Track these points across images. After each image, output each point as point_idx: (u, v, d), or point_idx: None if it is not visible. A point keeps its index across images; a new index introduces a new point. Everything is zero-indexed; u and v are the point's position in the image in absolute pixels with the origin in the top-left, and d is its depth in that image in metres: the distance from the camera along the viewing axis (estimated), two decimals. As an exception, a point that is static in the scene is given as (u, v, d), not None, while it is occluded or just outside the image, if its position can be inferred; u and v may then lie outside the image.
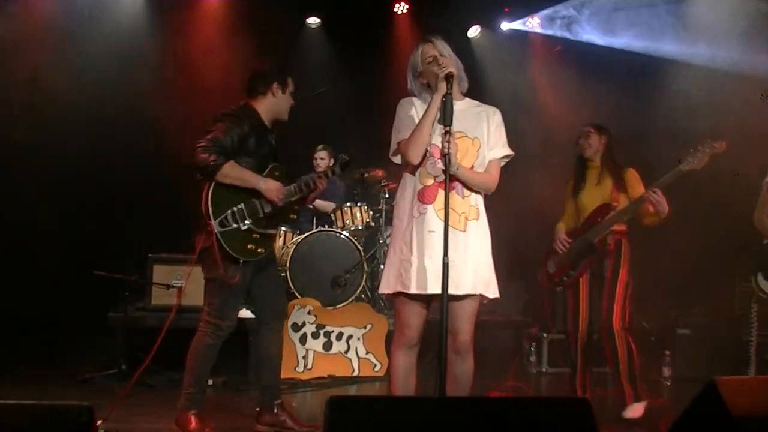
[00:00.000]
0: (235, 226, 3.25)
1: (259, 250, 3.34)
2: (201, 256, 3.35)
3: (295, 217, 3.78)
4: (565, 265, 4.08)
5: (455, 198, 2.84)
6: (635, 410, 3.94)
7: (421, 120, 2.85)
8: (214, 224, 3.20)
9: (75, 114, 5.95)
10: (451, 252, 2.65)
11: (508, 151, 3.00)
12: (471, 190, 2.91)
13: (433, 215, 2.85)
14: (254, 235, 3.32)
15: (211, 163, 3.17)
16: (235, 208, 3.26)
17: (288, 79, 3.49)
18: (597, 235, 3.97)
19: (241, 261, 3.27)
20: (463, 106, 2.95)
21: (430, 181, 2.88)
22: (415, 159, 2.87)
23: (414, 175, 2.92)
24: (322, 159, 6.56)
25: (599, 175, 4.07)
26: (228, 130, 3.24)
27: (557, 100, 6.91)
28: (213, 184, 3.24)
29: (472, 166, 2.91)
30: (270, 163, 3.45)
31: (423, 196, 2.88)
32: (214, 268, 3.26)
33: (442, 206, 2.77)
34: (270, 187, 3.32)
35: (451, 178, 2.76)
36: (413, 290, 2.82)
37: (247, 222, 3.28)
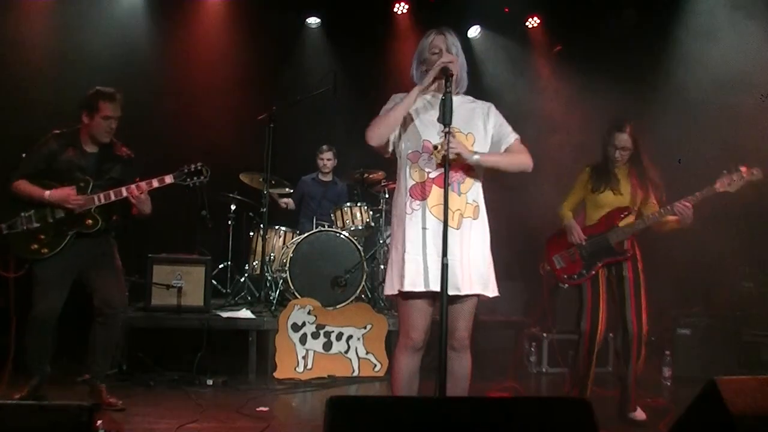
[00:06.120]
0: (22, 228, 3.69)
1: (43, 250, 3.69)
2: None
3: (91, 222, 3.77)
4: (576, 263, 3.97)
5: (451, 195, 2.75)
6: (640, 411, 3.94)
7: (397, 105, 2.81)
8: (3, 227, 3.68)
9: (73, 113, 5.93)
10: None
11: (516, 135, 2.96)
12: (469, 186, 2.84)
13: (427, 212, 2.78)
14: (40, 237, 3.70)
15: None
16: (24, 214, 3.69)
17: (99, 104, 3.76)
18: (617, 238, 3.89)
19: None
20: (456, 102, 2.90)
21: (424, 177, 2.82)
22: (373, 140, 2.82)
23: (408, 171, 2.85)
24: (329, 159, 6.53)
25: (626, 176, 3.96)
26: (31, 155, 3.77)
27: (557, 100, 6.91)
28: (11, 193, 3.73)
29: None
30: (77, 177, 3.76)
31: (416, 193, 2.82)
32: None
33: (437, 203, 2.74)
34: (56, 197, 3.67)
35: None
36: (413, 288, 2.75)
37: (35, 225, 3.70)
